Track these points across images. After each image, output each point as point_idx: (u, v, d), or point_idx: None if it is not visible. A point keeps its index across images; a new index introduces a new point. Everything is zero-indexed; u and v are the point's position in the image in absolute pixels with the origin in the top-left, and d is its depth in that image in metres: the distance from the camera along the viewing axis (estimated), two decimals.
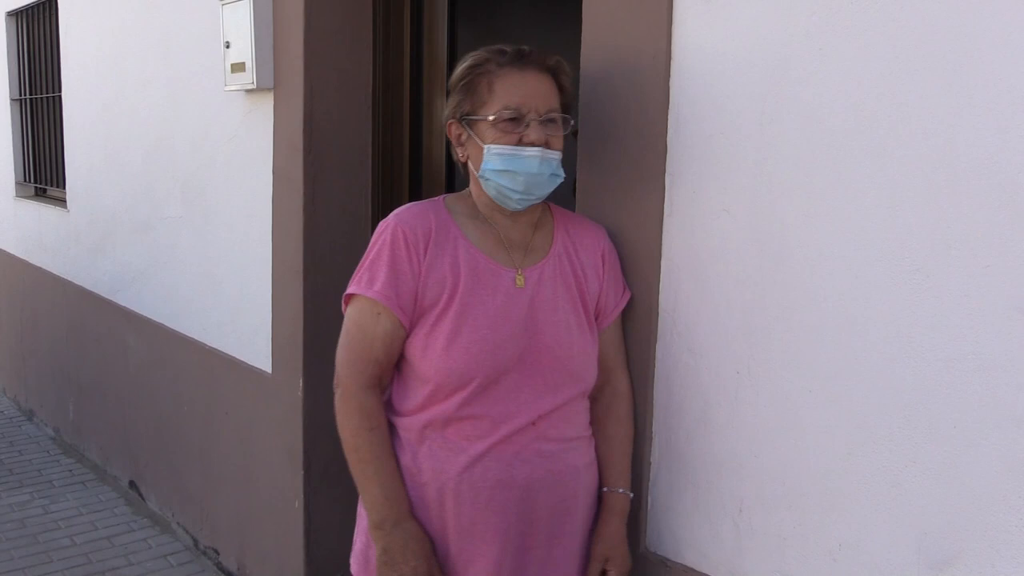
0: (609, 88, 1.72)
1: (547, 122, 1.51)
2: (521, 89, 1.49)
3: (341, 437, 1.57)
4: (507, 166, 1.49)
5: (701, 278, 1.60)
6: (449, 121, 1.58)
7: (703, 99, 1.58)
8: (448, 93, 1.61)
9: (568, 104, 1.57)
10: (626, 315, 1.71)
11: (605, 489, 1.67)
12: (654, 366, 1.69)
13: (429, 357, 1.53)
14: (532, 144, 1.48)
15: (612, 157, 1.73)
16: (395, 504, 1.53)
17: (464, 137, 1.57)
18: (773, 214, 1.48)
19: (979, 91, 1.23)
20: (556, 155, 1.53)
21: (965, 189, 1.25)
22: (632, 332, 1.71)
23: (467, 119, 1.54)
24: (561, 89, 1.55)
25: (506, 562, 1.56)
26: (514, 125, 1.49)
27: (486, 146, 1.51)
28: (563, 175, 1.55)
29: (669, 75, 1.62)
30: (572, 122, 1.56)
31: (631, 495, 1.67)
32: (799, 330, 1.46)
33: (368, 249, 1.58)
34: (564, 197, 1.89)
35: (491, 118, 1.50)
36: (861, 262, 1.37)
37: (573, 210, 1.81)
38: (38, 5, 4.74)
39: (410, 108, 2.75)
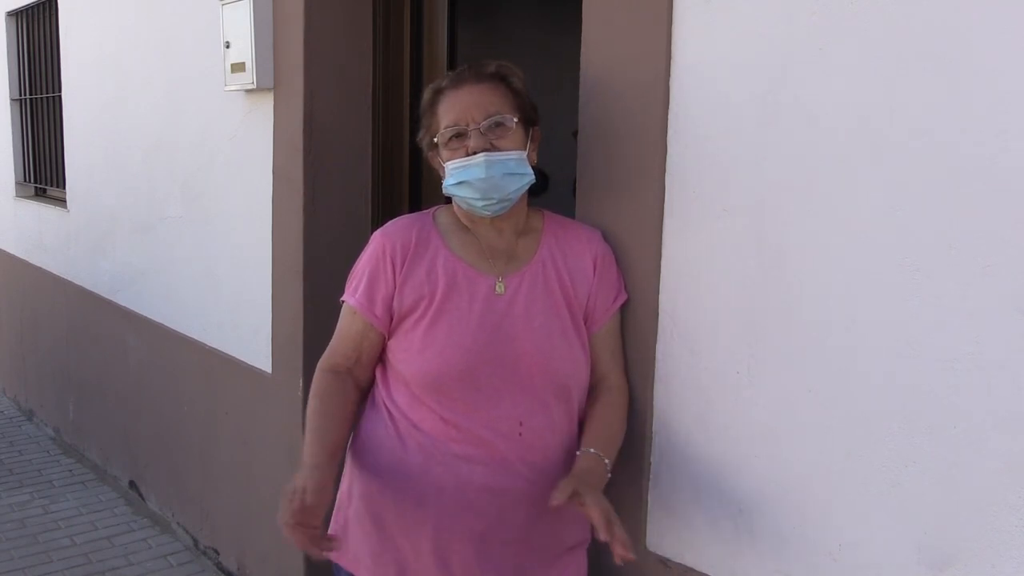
0: (609, 88, 1.72)
1: (493, 127, 1.56)
2: (457, 105, 1.57)
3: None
4: (460, 178, 1.57)
5: (701, 278, 1.60)
6: (428, 153, 1.67)
7: (703, 99, 1.58)
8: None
9: (524, 104, 1.61)
10: (626, 315, 1.71)
11: (577, 452, 1.59)
12: (654, 366, 1.69)
13: (406, 360, 1.60)
14: (474, 152, 1.55)
15: (612, 157, 1.73)
16: (313, 458, 1.57)
17: (437, 163, 1.65)
18: (773, 214, 1.48)
19: (979, 91, 1.23)
20: (507, 155, 1.56)
21: (965, 189, 1.25)
22: (632, 332, 1.71)
23: (433, 148, 1.63)
24: (514, 91, 1.60)
25: (481, 564, 1.58)
26: (460, 140, 1.57)
27: (445, 165, 1.60)
28: (526, 172, 1.58)
29: (669, 75, 1.62)
30: (516, 119, 1.58)
31: (606, 461, 1.56)
32: (799, 330, 1.46)
33: (358, 259, 1.68)
34: (564, 197, 1.89)
35: (436, 140, 1.60)
36: (861, 262, 1.37)
37: (573, 210, 1.81)
38: (38, 5, 4.74)
39: (410, 108, 2.75)
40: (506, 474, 1.57)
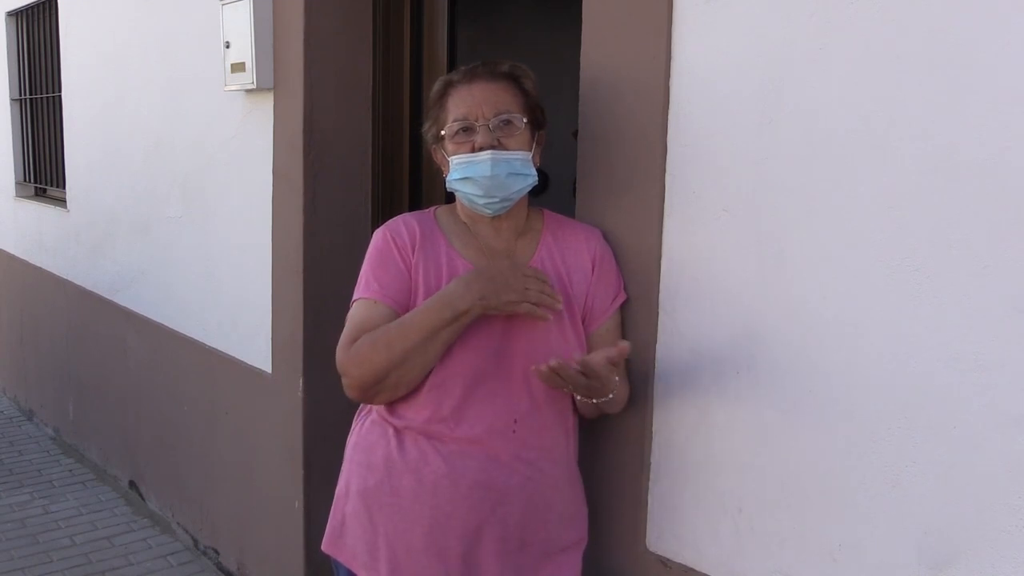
0: (609, 88, 1.72)
1: (502, 124, 1.56)
2: (468, 100, 1.57)
3: (378, 367, 1.53)
4: (464, 173, 1.56)
5: (701, 278, 1.60)
6: (432, 147, 1.66)
7: (703, 99, 1.58)
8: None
9: (533, 106, 1.61)
10: (626, 315, 1.71)
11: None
12: (654, 366, 1.69)
13: None
14: (481, 148, 1.54)
15: (612, 157, 1.73)
16: (440, 294, 1.52)
17: (441, 158, 1.65)
18: (773, 214, 1.48)
19: (979, 91, 1.23)
20: (514, 155, 1.56)
21: (965, 189, 1.25)
22: (632, 332, 1.71)
23: (439, 141, 1.62)
24: (524, 93, 1.60)
25: (474, 561, 1.57)
26: (468, 135, 1.57)
27: (450, 159, 1.60)
28: (529, 174, 1.59)
29: (669, 75, 1.62)
30: (525, 120, 1.58)
31: (616, 377, 1.54)
32: (799, 330, 1.46)
33: (364, 259, 1.66)
34: (564, 197, 1.89)
35: (444, 133, 1.59)
36: (861, 262, 1.37)
37: (573, 210, 1.81)
38: (38, 5, 4.74)
39: (410, 108, 2.75)
40: (500, 471, 1.57)
